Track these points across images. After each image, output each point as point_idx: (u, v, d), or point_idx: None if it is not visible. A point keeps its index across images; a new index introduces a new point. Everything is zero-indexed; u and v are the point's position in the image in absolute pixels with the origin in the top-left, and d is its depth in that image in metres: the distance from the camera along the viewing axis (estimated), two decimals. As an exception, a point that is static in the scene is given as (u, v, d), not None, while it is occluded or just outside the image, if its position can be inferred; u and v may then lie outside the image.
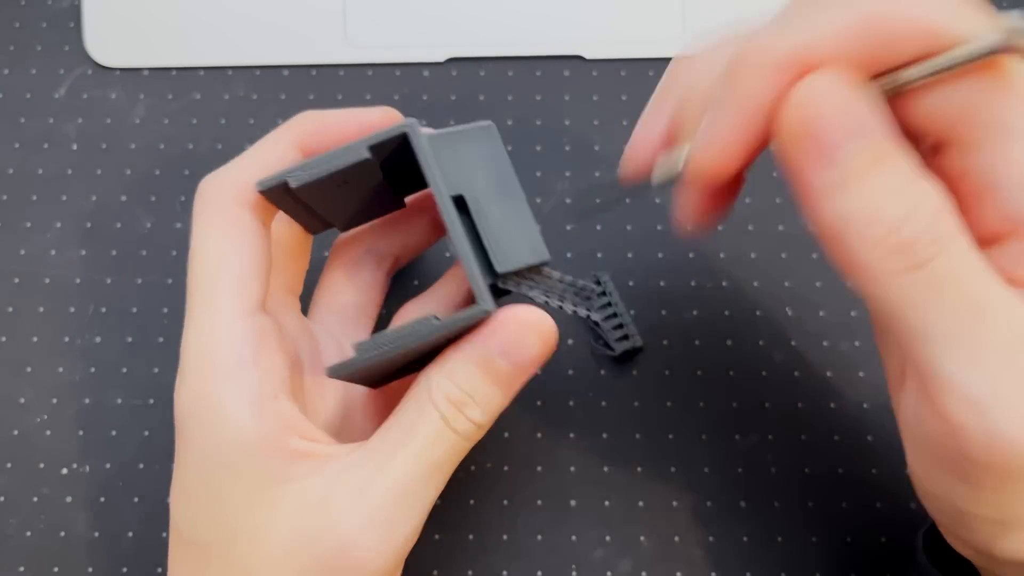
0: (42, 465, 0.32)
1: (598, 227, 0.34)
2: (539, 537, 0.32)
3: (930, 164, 0.20)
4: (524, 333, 0.24)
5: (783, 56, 0.19)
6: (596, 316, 0.30)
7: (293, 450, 0.23)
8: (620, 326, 0.32)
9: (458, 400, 0.23)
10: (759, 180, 0.35)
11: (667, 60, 0.35)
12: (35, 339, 0.33)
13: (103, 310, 0.34)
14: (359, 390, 0.28)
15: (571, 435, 0.33)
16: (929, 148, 0.20)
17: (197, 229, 0.25)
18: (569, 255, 0.34)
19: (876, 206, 0.18)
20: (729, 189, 0.24)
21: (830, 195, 0.18)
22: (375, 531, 0.23)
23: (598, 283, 0.32)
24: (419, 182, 0.24)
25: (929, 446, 0.20)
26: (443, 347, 0.24)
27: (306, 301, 0.30)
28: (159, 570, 0.32)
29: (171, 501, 0.25)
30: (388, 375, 0.26)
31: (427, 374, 0.24)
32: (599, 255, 0.34)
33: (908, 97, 0.19)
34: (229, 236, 0.24)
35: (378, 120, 0.26)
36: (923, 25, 0.18)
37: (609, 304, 0.32)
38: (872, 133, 0.18)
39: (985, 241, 0.20)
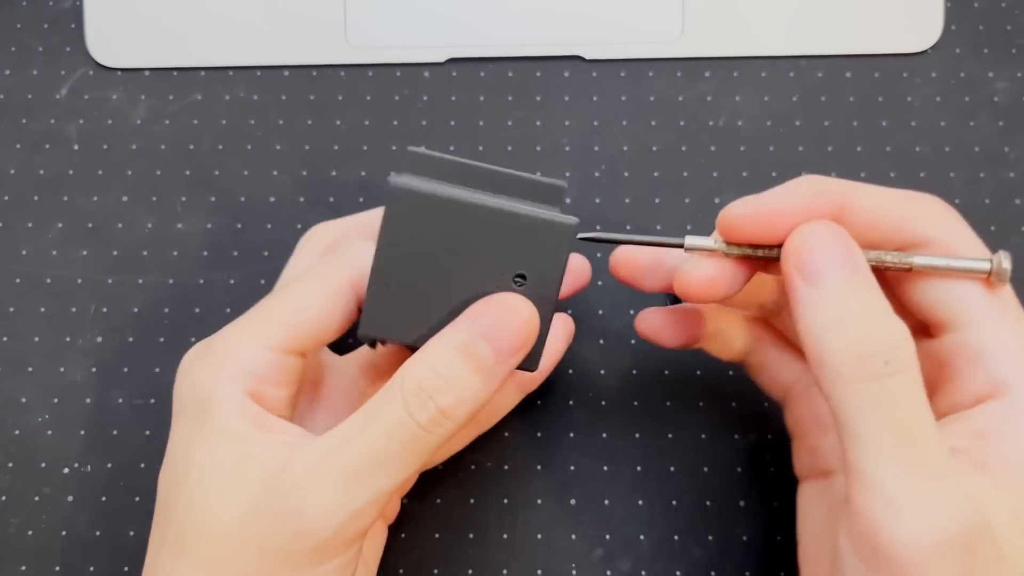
0: (43, 465, 0.33)
1: (598, 227, 0.34)
2: (539, 536, 0.32)
3: (920, 344, 0.23)
4: (507, 316, 0.24)
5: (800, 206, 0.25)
6: None
7: (265, 423, 0.25)
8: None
9: (431, 386, 0.23)
10: (759, 180, 0.35)
11: (667, 60, 0.36)
12: (36, 339, 0.33)
13: (104, 310, 0.34)
14: None
15: (571, 435, 0.33)
16: (918, 327, 0.25)
17: (308, 272, 0.27)
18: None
19: (847, 320, 0.22)
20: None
21: (812, 308, 0.23)
22: (322, 506, 0.23)
23: None
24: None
25: (845, 539, 0.23)
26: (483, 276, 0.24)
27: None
28: (160, 569, 0.32)
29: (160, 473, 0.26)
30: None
31: (406, 362, 0.24)
32: (599, 255, 0.34)
33: (905, 282, 0.25)
34: (321, 292, 0.26)
35: None
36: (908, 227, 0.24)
37: None
38: (852, 267, 0.23)
39: (971, 403, 0.24)
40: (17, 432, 0.33)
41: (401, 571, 0.32)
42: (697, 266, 0.25)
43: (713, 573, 0.31)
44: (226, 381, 0.25)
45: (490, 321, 0.24)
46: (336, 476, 0.23)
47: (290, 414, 0.27)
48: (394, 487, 0.24)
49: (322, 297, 0.26)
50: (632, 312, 0.33)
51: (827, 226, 0.23)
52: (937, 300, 0.24)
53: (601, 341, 0.33)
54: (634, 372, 0.33)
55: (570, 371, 0.33)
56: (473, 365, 0.24)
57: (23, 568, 0.32)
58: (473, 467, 0.32)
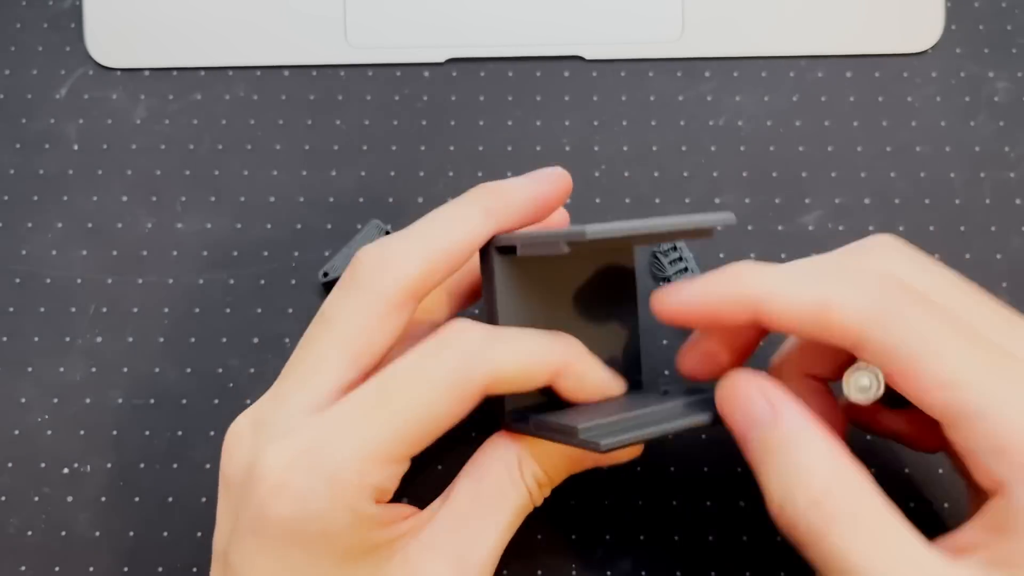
0: (43, 465, 0.32)
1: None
2: (539, 537, 0.32)
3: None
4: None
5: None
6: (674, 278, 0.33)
7: (376, 543, 0.23)
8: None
9: (542, 481, 0.26)
10: (759, 180, 0.35)
11: (667, 60, 0.36)
12: (36, 339, 0.33)
13: (104, 310, 0.34)
14: None
15: (571, 435, 0.33)
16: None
17: (360, 300, 0.24)
18: (569, 255, 0.34)
19: (770, 484, 0.23)
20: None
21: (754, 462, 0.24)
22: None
23: (674, 248, 0.33)
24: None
25: None
26: None
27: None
28: (159, 569, 0.32)
29: (231, 556, 0.24)
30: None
31: (517, 451, 0.25)
32: (599, 255, 0.34)
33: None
34: (386, 332, 0.24)
35: (550, 185, 0.27)
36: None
37: (686, 269, 0.33)
38: (767, 425, 0.23)
39: (983, 496, 0.22)
40: (17, 432, 0.33)
41: (401, 571, 0.32)
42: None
43: (713, 573, 0.31)
44: (346, 508, 0.22)
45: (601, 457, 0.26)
46: (481, 568, 0.24)
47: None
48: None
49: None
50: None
51: (744, 383, 0.24)
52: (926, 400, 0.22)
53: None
54: (634, 372, 0.33)
55: (570, 371, 0.33)
56: (572, 469, 0.27)
57: (23, 568, 0.32)
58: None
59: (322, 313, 0.25)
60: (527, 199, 0.26)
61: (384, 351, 0.25)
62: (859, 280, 0.23)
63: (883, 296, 0.22)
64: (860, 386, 0.23)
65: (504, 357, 0.23)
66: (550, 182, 0.27)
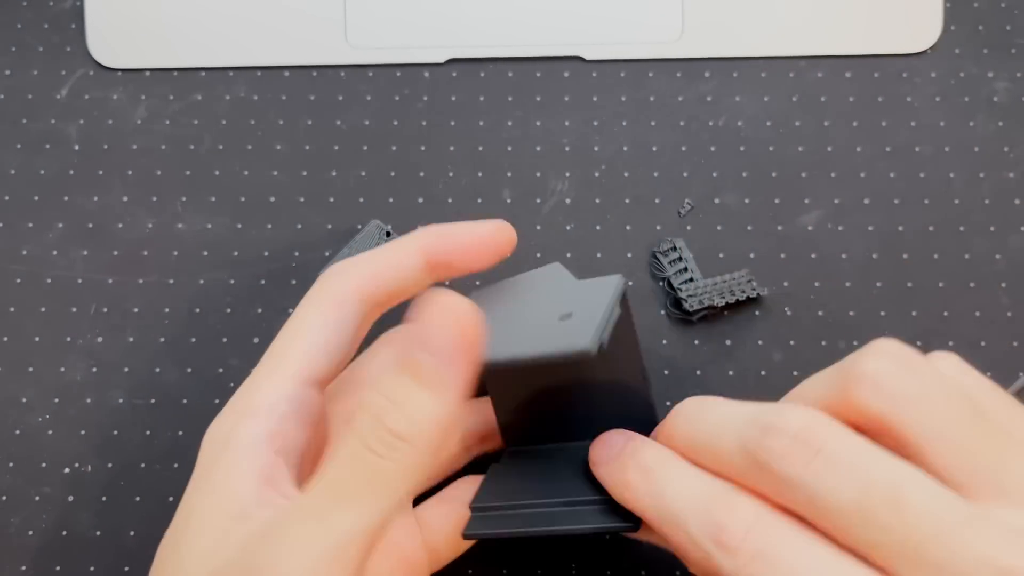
0: (44, 464, 0.33)
1: (597, 227, 0.34)
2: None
3: None
4: (437, 316, 0.22)
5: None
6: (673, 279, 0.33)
7: (272, 478, 0.23)
8: (691, 280, 0.33)
9: (381, 410, 0.21)
10: (758, 180, 0.35)
11: (667, 60, 0.36)
12: (37, 339, 0.33)
13: (105, 310, 0.34)
14: None
15: (571, 435, 0.33)
16: None
17: (303, 302, 0.26)
18: (569, 255, 0.34)
19: None
20: None
21: None
22: (286, 558, 0.21)
23: (674, 248, 0.33)
24: None
25: None
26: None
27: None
28: (160, 569, 0.32)
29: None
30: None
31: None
32: (598, 255, 0.34)
33: None
34: (325, 314, 0.25)
35: (491, 232, 0.27)
36: None
37: (685, 269, 0.33)
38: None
39: None
40: (18, 432, 0.33)
41: (401, 571, 0.32)
42: None
43: (713, 573, 0.31)
44: (247, 424, 0.23)
45: (422, 327, 0.22)
46: (298, 522, 0.21)
47: (305, 456, 0.25)
48: (364, 528, 0.21)
49: (330, 316, 0.25)
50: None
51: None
52: None
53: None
54: (634, 372, 0.33)
55: (570, 371, 0.33)
56: (418, 379, 0.21)
57: (23, 568, 0.32)
58: (473, 466, 0.32)
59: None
60: (467, 243, 0.27)
61: (341, 345, 0.26)
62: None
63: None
64: None
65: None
66: (491, 230, 0.27)
